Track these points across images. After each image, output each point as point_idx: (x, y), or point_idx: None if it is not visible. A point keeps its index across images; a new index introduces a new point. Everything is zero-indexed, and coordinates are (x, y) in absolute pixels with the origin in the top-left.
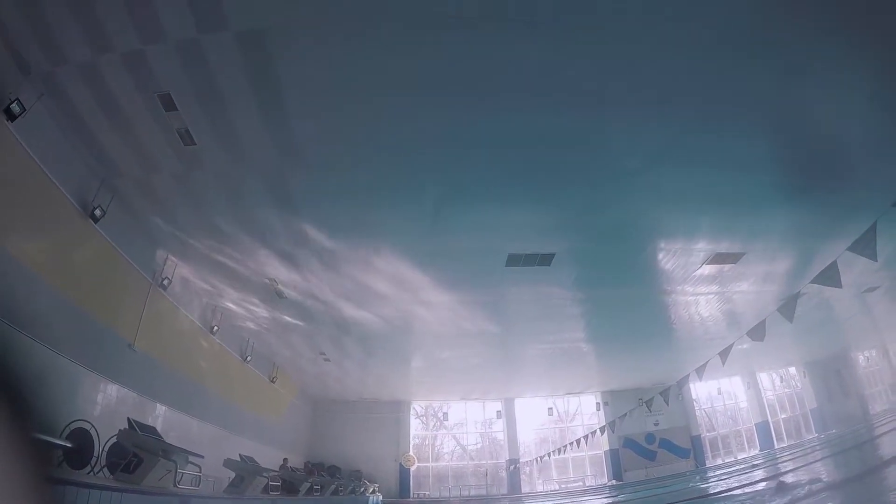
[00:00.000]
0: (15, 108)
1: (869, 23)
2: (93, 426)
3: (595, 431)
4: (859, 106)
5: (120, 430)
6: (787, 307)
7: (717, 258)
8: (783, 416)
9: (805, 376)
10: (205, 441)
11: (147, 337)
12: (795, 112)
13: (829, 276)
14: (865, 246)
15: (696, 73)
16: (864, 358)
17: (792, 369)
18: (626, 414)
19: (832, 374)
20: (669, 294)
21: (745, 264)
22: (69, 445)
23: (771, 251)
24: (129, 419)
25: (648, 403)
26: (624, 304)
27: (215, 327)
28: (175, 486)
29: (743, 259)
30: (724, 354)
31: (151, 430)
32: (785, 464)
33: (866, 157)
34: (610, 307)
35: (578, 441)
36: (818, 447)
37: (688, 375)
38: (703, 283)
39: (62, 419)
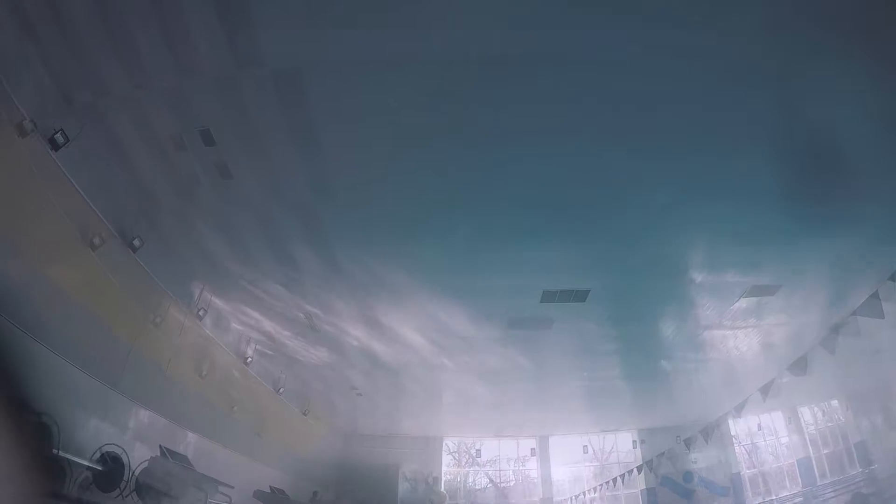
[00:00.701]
0: (59, 138)
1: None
2: (124, 451)
3: (632, 470)
4: (886, 129)
5: (152, 456)
6: (829, 340)
7: (755, 291)
8: (825, 451)
9: (848, 409)
10: (234, 471)
11: (180, 365)
12: (821, 141)
13: (871, 307)
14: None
15: (719, 108)
16: None
17: (835, 402)
18: (663, 453)
19: (876, 407)
20: (707, 329)
21: (782, 296)
22: (99, 468)
23: (808, 282)
24: (160, 447)
25: (687, 442)
26: (659, 340)
27: (249, 358)
28: None
29: (780, 291)
30: (765, 390)
31: (183, 459)
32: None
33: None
34: (645, 343)
35: (615, 480)
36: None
37: (727, 413)
38: (741, 316)
39: (93, 442)
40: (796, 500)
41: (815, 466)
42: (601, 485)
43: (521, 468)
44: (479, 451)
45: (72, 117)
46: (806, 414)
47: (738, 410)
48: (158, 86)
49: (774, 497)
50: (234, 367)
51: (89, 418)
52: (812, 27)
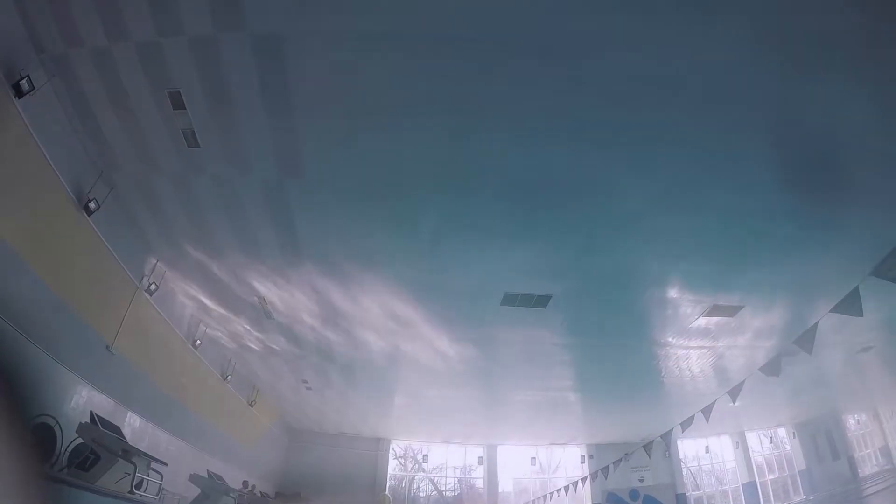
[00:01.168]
0: (24, 84)
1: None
2: (57, 423)
3: (577, 482)
4: (855, 153)
5: (81, 423)
6: (770, 366)
7: (715, 310)
8: (771, 478)
9: (795, 437)
10: (175, 457)
11: (126, 341)
12: (792, 162)
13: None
14: (849, 307)
15: (695, 119)
16: (854, 420)
17: (781, 430)
18: (609, 465)
19: (822, 436)
20: (662, 346)
21: (741, 318)
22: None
23: (767, 306)
24: (91, 413)
25: (627, 457)
26: (615, 353)
27: (198, 341)
28: (132, 490)
29: (740, 313)
30: (706, 411)
31: (114, 429)
32: None
33: (859, 210)
34: (601, 356)
35: (561, 490)
36: None
37: (671, 430)
38: (698, 336)
39: (28, 411)
40: None
41: (759, 492)
42: (548, 495)
43: (466, 477)
44: (425, 456)
45: (40, 65)
46: (752, 440)
47: (684, 427)
48: (134, 40)
49: None
50: (183, 349)
51: (25, 385)
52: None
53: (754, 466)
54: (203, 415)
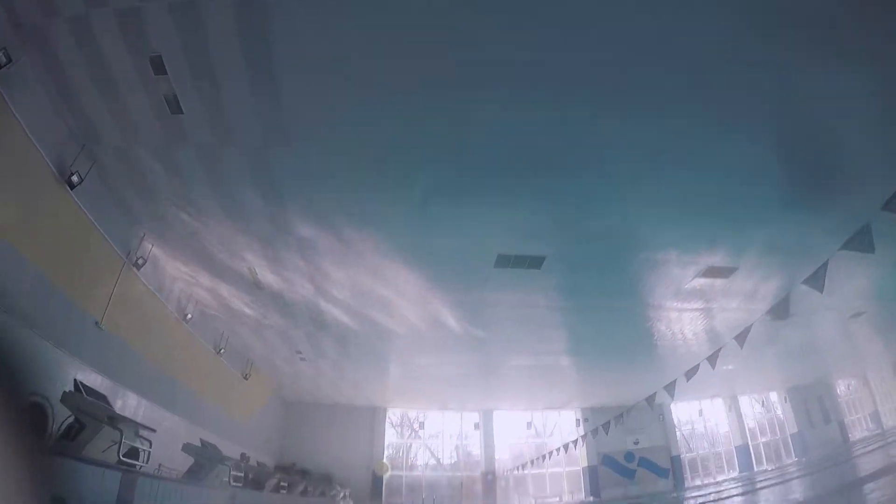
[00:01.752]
0: (1, 57)
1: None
2: (48, 401)
3: (576, 441)
4: (853, 119)
5: (64, 391)
6: (779, 308)
7: (710, 272)
8: (763, 440)
9: (786, 401)
10: (169, 432)
11: (116, 317)
12: (790, 120)
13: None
14: (860, 244)
15: (695, 74)
16: (844, 385)
17: (773, 395)
18: (609, 422)
19: (813, 400)
20: (657, 309)
21: (735, 280)
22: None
23: (762, 267)
24: (75, 380)
25: (628, 413)
26: (610, 315)
27: (189, 315)
28: (119, 458)
29: (734, 274)
30: (690, 373)
31: (100, 397)
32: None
33: (858, 171)
34: (596, 318)
35: (558, 450)
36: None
37: (674, 382)
38: (692, 297)
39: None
40: (733, 485)
41: (752, 454)
42: (543, 456)
43: (463, 443)
44: (422, 423)
45: (17, 37)
46: (745, 405)
47: (669, 391)
48: (112, 6)
49: (712, 480)
50: (174, 323)
51: (11, 366)
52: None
53: (747, 430)
54: (197, 389)
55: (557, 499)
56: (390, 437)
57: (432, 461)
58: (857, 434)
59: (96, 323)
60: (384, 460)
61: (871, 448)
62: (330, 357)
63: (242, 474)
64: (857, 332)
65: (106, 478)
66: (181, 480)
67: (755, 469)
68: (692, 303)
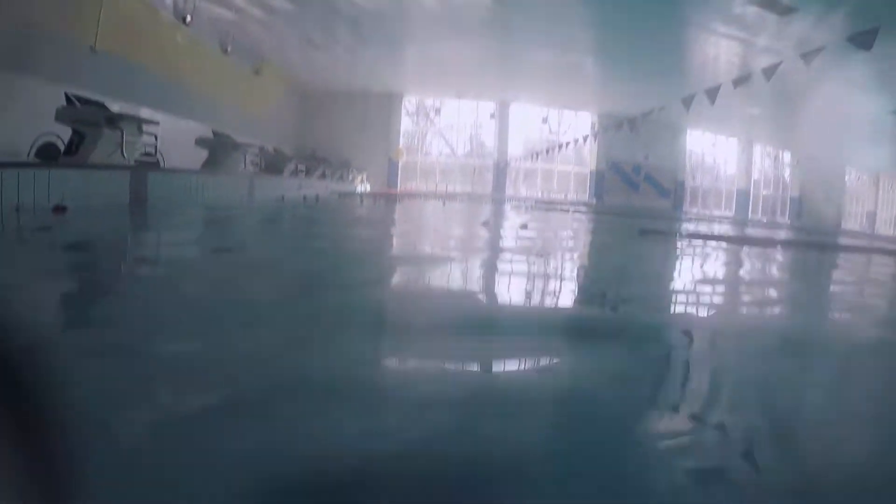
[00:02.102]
0: None
1: None
2: (60, 138)
3: (586, 137)
4: None
5: (57, 108)
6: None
7: (767, 2)
8: (765, 193)
9: (798, 164)
10: (181, 135)
11: (109, 37)
12: None
13: (867, 39)
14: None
15: None
16: (855, 177)
17: (787, 154)
18: (621, 122)
19: (823, 176)
20: (696, 27)
21: (788, 23)
22: (38, 162)
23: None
24: (66, 94)
25: (632, 124)
26: (646, 22)
27: (188, 17)
28: (123, 155)
29: (791, 17)
30: (711, 93)
31: (97, 104)
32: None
33: None
34: (629, 24)
35: (568, 144)
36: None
37: (691, 97)
38: (736, 25)
39: (27, 137)
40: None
41: (750, 201)
42: (557, 147)
43: (477, 132)
44: (438, 110)
45: None
46: (758, 154)
47: (686, 105)
48: None
49: (708, 213)
50: (172, 28)
51: (17, 115)
52: None
53: (752, 178)
54: (205, 90)
55: (563, 195)
56: (406, 125)
57: (446, 149)
58: (850, 225)
59: (91, 48)
60: (400, 146)
61: (857, 243)
62: (343, 42)
63: (259, 159)
64: (891, 129)
65: (114, 178)
66: (196, 171)
67: (749, 216)
68: (735, 31)
